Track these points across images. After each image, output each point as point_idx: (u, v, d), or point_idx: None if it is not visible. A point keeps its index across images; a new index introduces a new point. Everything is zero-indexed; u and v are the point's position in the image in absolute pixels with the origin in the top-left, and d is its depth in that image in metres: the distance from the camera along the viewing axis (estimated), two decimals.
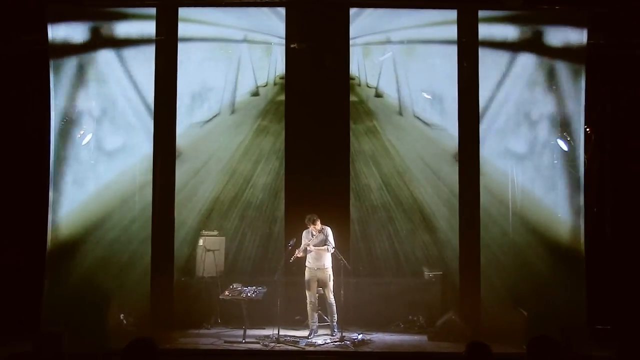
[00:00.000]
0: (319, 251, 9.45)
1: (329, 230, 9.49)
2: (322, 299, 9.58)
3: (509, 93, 9.95)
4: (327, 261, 9.49)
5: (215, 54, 10.58)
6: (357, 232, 10.57)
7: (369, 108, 10.74)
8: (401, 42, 10.54)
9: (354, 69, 10.66)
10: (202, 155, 10.54)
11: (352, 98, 10.69)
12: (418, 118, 10.62)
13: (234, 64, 10.65)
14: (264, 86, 10.79)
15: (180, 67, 10.22)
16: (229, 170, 10.66)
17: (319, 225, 9.43)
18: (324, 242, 9.45)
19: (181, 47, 10.23)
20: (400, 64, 10.64)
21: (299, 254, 9.42)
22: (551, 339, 4.40)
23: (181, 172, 10.29)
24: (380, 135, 10.73)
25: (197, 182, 10.49)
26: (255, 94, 10.78)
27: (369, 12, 10.47)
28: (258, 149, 10.79)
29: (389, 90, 10.73)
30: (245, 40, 10.65)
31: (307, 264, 9.54)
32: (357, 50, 10.63)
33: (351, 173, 10.58)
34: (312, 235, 9.49)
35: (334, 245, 9.41)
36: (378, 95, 10.75)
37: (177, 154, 10.22)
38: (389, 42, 10.60)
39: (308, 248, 9.45)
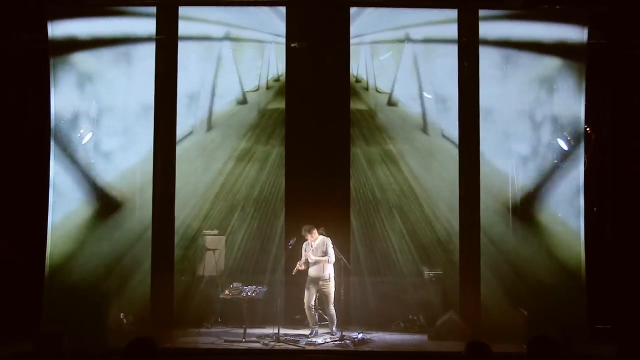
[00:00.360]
0: (319, 262, 9.44)
1: (328, 242, 9.46)
2: (322, 299, 9.58)
3: (509, 92, 9.93)
4: (328, 271, 9.47)
5: (212, 54, 10.56)
6: (357, 231, 10.56)
7: (381, 122, 10.58)
8: (401, 41, 10.53)
9: (360, 71, 10.56)
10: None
11: (360, 106, 10.59)
12: (447, 138, 10.40)
13: (228, 64, 10.64)
14: (255, 90, 10.75)
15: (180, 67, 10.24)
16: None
17: (315, 234, 9.41)
18: (325, 252, 9.43)
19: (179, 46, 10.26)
20: (418, 65, 10.44)
21: (300, 266, 9.41)
22: (551, 339, 4.40)
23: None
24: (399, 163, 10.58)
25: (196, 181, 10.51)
26: (243, 101, 10.70)
27: (369, 11, 10.45)
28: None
29: (405, 98, 10.54)
30: (238, 39, 10.58)
31: (309, 273, 9.52)
32: (361, 50, 10.55)
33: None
34: (312, 246, 9.48)
35: (334, 258, 9.38)
36: (392, 103, 10.65)
37: None
38: (390, 41, 10.58)
39: (309, 260, 9.44)
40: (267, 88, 10.71)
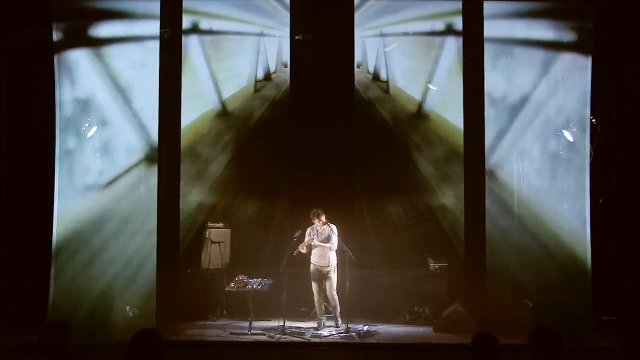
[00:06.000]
0: (323, 248, 9.45)
1: (334, 228, 9.46)
2: (325, 286, 9.60)
3: (514, 85, 9.85)
4: (332, 259, 9.48)
5: (218, 46, 10.57)
6: (362, 223, 10.55)
7: (386, 113, 10.62)
8: (406, 34, 10.51)
9: (364, 62, 10.53)
10: None
11: (365, 97, 10.54)
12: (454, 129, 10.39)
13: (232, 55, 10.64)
14: (260, 82, 10.74)
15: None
16: None
17: (323, 219, 9.40)
18: (329, 238, 9.43)
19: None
20: (424, 56, 10.45)
21: (302, 249, 9.41)
22: (553, 330, 4.38)
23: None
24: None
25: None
26: (247, 93, 10.74)
27: (372, 2, 10.42)
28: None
29: (411, 88, 10.58)
30: (243, 33, 10.61)
31: (311, 259, 9.54)
32: (365, 41, 10.54)
33: None
34: (317, 231, 9.48)
35: (337, 245, 9.38)
36: (397, 93, 10.63)
37: None
38: (394, 33, 10.55)
39: (313, 244, 9.44)
40: (271, 79, 10.71)
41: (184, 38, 10.18)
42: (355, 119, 10.57)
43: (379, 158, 10.58)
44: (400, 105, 10.64)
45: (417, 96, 10.58)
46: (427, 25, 10.46)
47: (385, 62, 10.66)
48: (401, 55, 10.65)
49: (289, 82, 10.64)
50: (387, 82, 10.76)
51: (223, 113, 10.70)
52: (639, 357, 4.45)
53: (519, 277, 9.52)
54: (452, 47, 10.28)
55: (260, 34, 10.71)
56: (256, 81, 10.75)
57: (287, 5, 10.37)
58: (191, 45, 10.42)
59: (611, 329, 9.30)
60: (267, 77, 10.82)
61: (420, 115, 10.63)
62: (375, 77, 10.77)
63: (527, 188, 9.64)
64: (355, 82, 10.63)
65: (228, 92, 10.68)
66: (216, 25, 10.57)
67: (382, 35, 10.61)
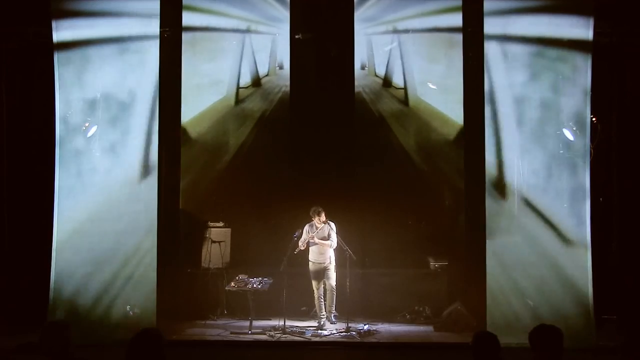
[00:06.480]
0: (323, 246, 9.45)
1: (333, 225, 9.49)
2: (325, 284, 9.62)
3: (514, 83, 9.84)
4: (331, 257, 9.50)
5: (215, 45, 10.56)
6: (362, 223, 10.54)
7: (386, 112, 10.58)
8: (406, 31, 10.48)
9: (365, 61, 10.49)
10: None
11: (366, 96, 10.49)
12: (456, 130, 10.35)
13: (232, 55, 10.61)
14: (261, 79, 10.71)
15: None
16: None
17: (323, 217, 9.42)
18: (329, 235, 9.44)
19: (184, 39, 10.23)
20: (423, 55, 10.29)
21: (302, 246, 9.42)
22: (554, 328, 4.38)
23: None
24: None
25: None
26: (247, 93, 10.66)
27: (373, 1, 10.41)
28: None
29: (412, 88, 10.46)
30: (242, 30, 10.54)
31: (310, 258, 9.55)
32: (365, 40, 10.50)
33: None
34: (316, 228, 9.48)
35: (337, 243, 9.41)
36: (398, 93, 10.55)
37: None
38: (395, 31, 10.52)
39: (313, 241, 9.45)
40: (261, 85, 10.68)
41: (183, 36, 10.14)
42: (356, 117, 10.53)
43: (380, 157, 10.55)
44: (402, 104, 10.58)
45: (420, 94, 10.45)
46: (427, 23, 10.35)
47: (403, 66, 10.49)
48: (401, 53, 10.51)
49: (284, 84, 10.57)
50: (405, 89, 10.64)
51: (221, 112, 10.64)
52: (639, 356, 4.44)
53: (519, 276, 9.50)
54: (452, 45, 10.18)
55: (247, 31, 10.62)
56: (238, 88, 10.64)
57: (287, 3, 10.32)
58: (191, 44, 10.34)
59: (612, 327, 9.28)
60: (256, 82, 10.71)
61: (420, 114, 10.52)
62: (387, 82, 10.67)
63: (527, 187, 9.62)
64: (361, 88, 10.56)
65: (226, 91, 10.63)
66: (215, 23, 10.38)
67: (395, 31, 10.41)
